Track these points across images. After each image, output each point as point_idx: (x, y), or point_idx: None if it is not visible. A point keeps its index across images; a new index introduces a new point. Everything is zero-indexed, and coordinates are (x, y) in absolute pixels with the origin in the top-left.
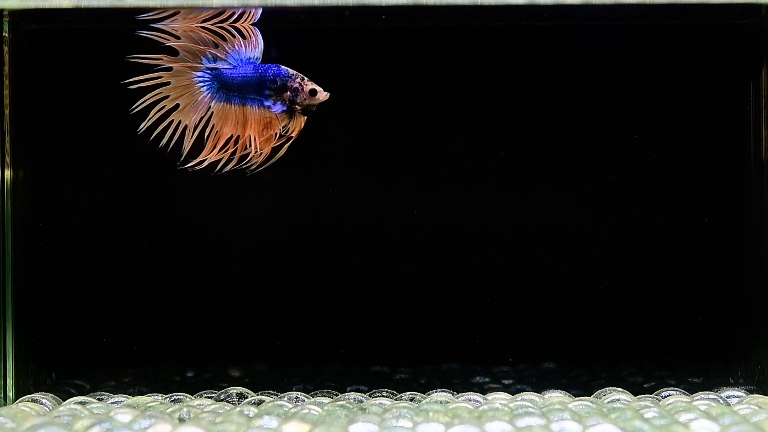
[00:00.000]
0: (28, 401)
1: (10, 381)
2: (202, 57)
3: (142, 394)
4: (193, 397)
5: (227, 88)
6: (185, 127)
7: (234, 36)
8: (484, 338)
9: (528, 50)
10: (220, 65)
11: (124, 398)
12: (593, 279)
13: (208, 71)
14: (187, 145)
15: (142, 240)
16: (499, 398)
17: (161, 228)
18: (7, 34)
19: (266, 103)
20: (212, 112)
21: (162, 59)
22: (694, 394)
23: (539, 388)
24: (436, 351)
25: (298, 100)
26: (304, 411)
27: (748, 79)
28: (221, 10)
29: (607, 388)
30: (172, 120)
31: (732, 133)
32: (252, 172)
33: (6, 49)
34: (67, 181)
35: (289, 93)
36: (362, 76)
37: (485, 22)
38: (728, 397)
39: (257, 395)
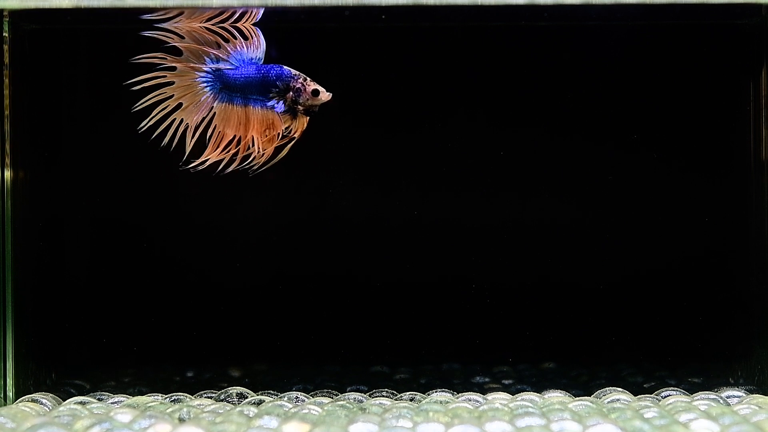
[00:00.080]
0: (28, 401)
1: (10, 381)
2: (205, 57)
3: (142, 394)
4: (193, 397)
5: (230, 88)
6: (186, 128)
7: (236, 37)
8: (484, 338)
9: (528, 50)
10: (222, 66)
11: (124, 398)
12: (593, 279)
13: (211, 71)
14: (189, 145)
15: (142, 240)
16: (499, 398)
17: (161, 228)
18: (7, 34)
19: (269, 104)
20: (215, 113)
21: (166, 59)
22: (694, 394)
23: (539, 388)
24: (436, 351)
25: (301, 101)
26: (304, 411)
27: (748, 79)
28: (223, 11)
29: (607, 388)
30: (174, 120)
31: (732, 133)
32: (254, 173)
33: (6, 49)
34: (67, 181)
35: (291, 93)
36: (362, 76)
37: (485, 22)
38: (728, 397)
39: (257, 395)
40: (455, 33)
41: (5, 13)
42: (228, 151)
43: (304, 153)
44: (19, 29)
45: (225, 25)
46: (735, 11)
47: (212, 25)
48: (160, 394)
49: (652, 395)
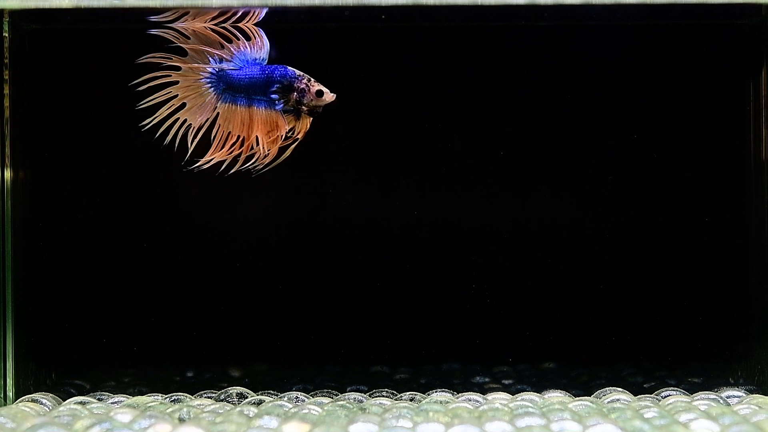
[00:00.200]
0: (28, 401)
1: (10, 381)
2: (209, 58)
3: (142, 394)
4: (193, 397)
5: (234, 89)
6: (189, 128)
7: (239, 37)
8: (484, 338)
9: (528, 50)
10: (226, 66)
11: (124, 398)
12: (593, 279)
13: (215, 72)
14: (191, 145)
15: (142, 240)
16: (499, 398)
17: (161, 228)
18: (7, 34)
19: (273, 105)
20: (218, 113)
21: (171, 59)
22: (694, 394)
23: (539, 388)
24: (436, 351)
25: (305, 102)
26: (304, 411)
27: (748, 79)
28: (226, 11)
29: (607, 388)
30: (177, 119)
31: (732, 133)
32: (258, 173)
33: (6, 49)
34: (67, 181)
35: (295, 94)
36: (362, 76)
37: (485, 22)
38: (728, 397)
39: (257, 395)
40: (455, 33)
41: (5, 13)
42: (231, 152)
43: (304, 153)
44: (19, 29)
45: (226, 25)
46: (735, 11)
47: (215, 25)
48: (160, 394)
49: (652, 395)
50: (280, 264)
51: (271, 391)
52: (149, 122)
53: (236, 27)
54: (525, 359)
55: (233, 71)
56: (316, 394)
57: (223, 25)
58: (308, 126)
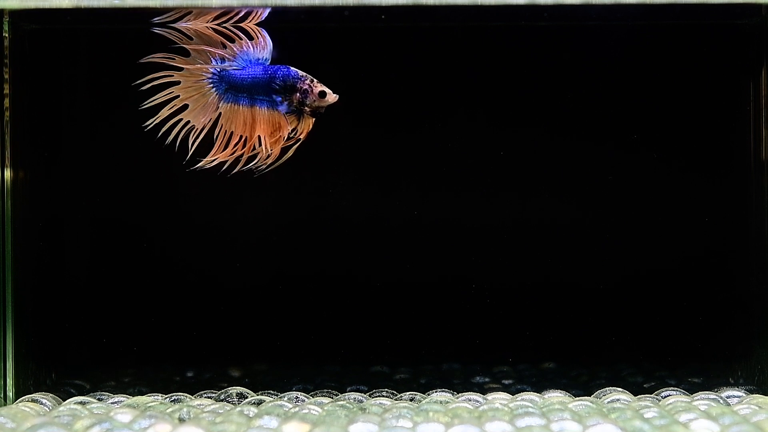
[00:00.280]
0: (28, 401)
1: (10, 381)
2: (211, 58)
3: (142, 394)
4: (193, 397)
5: (236, 88)
6: (191, 128)
7: (241, 37)
8: (484, 338)
9: (528, 50)
10: (228, 66)
11: (124, 398)
12: (593, 279)
13: (217, 72)
14: (192, 146)
15: (142, 240)
16: (499, 398)
17: (161, 228)
18: (7, 34)
19: (275, 105)
20: (221, 113)
21: (174, 59)
22: (694, 394)
23: (539, 388)
24: (436, 351)
25: (308, 102)
26: (304, 411)
27: (748, 79)
28: (229, 11)
29: (607, 388)
30: (179, 119)
31: (732, 133)
32: (260, 174)
33: (6, 49)
34: (67, 181)
35: (298, 95)
36: (362, 76)
37: (485, 22)
38: (728, 397)
39: (257, 395)
40: (455, 33)
41: (5, 13)
42: (234, 152)
43: (304, 153)
44: (19, 29)
45: (228, 25)
46: (735, 11)
47: (218, 25)
48: (160, 394)
49: (652, 395)
50: (280, 264)
51: (271, 391)
52: (151, 123)
53: (239, 27)
54: (525, 359)
55: (236, 71)
56: (316, 394)
57: (225, 25)
58: (311, 126)
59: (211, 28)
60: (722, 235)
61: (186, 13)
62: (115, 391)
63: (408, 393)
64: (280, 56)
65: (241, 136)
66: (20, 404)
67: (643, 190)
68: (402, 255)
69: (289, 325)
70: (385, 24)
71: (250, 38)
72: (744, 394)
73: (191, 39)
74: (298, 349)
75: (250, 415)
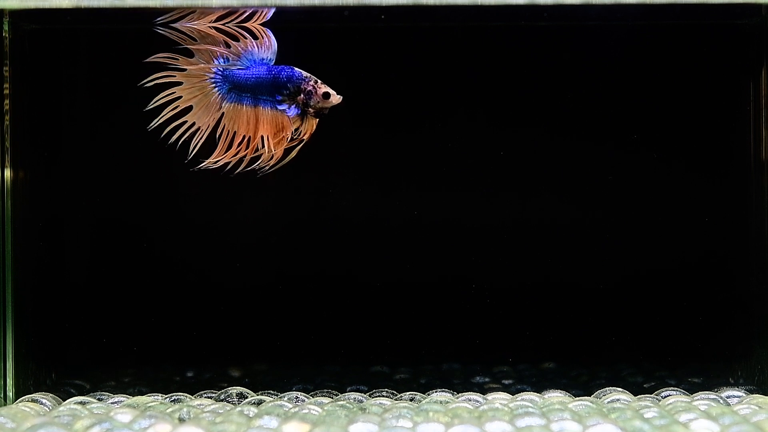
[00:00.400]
0: (28, 401)
1: (10, 381)
2: (215, 58)
3: (142, 394)
4: (193, 397)
5: (240, 88)
6: (190, 128)
7: (246, 37)
8: (484, 338)
9: (528, 50)
10: (232, 65)
11: (124, 398)
12: (593, 279)
13: (220, 72)
14: (194, 146)
15: (142, 240)
16: (499, 398)
17: (161, 228)
18: (7, 34)
19: (279, 105)
20: (224, 113)
21: (177, 59)
22: (694, 394)
23: (539, 388)
24: (436, 351)
25: (312, 103)
26: (304, 411)
27: (748, 79)
28: (234, 11)
29: (607, 388)
30: (182, 119)
31: (732, 133)
32: (263, 174)
33: (6, 49)
34: (67, 181)
35: (302, 96)
36: (362, 76)
37: (485, 22)
38: (728, 397)
39: (257, 395)
40: (455, 33)
41: (5, 13)
42: (237, 153)
43: (304, 153)
44: (19, 29)
45: (232, 25)
46: (735, 11)
47: (222, 24)
48: (160, 394)
49: (652, 395)
50: (280, 264)
51: (271, 391)
52: (155, 124)
53: (244, 27)
54: (525, 359)
55: (240, 71)
56: (316, 394)
57: (230, 24)
58: (314, 127)
59: (215, 27)
60: (722, 236)
61: (188, 13)
62: (115, 391)
63: (408, 393)
64: (279, 56)
65: (244, 136)
66: (20, 404)
67: (643, 190)
68: (402, 255)
69: (289, 325)
70: (385, 24)
71: (255, 38)
72: (744, 394)
73: (194, 39)
74: (298, 349)
75: (250, 415)
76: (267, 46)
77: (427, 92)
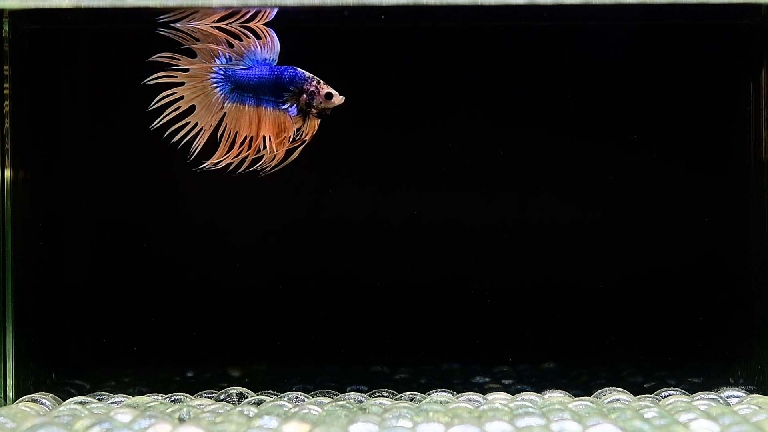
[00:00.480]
0: (28, 401)
1: (10, 381)
2: (217, 58)
3: (142, 394)
4: (193, 397)
5: (242, 88)
6: (194, 128)
7: (249, 37)
8: (484, 338)
9: (528, 50)
10: (235, 65)
11: (124, 398)
12: (593, 279)
13: (221, 72)
14: (195, 147)
15: (142, 240)
16: (499, 398)
17: (161, 228)
18: (7, 34)
19: (281, 106)
20: (226, 113)
21: (179, 59)
22: (694, 394)
23: (539, 388)
24: (436, 351)
25: (314, 104)
26: (304, 411)
27: (748, 79)
28: (237, 11)
29: (607, 388)
30: (184, 118)
31: (732, 133)
32: (265, 174)
33: (6, 49)
34: (67, 181)
35: (305, 96)
36: (362, 76)
37: (485, 22)
38: (728, 397)
39: (257, 395)
40: (455, 33)
41: (5, 13)
42: (240, 153)
43: (304, 153)
44: (19, 29)
45: (235, 24)
46: (735, 11)
47: (225, 24)
48: (160, 394)
49: (652, 395)
50: (280, 264)
51: (271, 391)
52: (156, 123)
53: (247, 27)
54: (525, 359)
55: (242, 71)
56: (316, 394)
57: (233, 24)
58: (316, 128)
59: (218, 27)
60: (722, 236)
61: (191, 13)
62: (115, 391)
63: (408, 393)
64: (280, 56)
65: (246, 136)
66: (20, 404)
67: (643, 190)
68: (402, 255)
69: (289, 325)
70: (385, 24)
71: (258, 38)
72: (744, 394)
73: (196, 39)
74: (298, 349)
75: (250, 415)
76: (270, 47)
77: (427, 92)
